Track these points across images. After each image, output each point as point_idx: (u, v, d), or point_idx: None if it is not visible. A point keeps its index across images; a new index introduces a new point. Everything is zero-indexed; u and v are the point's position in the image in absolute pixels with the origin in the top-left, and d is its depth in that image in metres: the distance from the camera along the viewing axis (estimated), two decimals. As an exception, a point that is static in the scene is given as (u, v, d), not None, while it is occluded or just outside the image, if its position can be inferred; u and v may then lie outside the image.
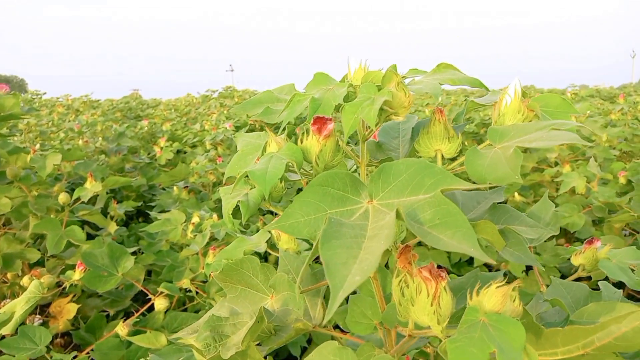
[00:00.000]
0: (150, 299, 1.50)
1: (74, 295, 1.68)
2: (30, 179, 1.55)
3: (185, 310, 1.55)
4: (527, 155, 2.60)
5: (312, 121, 0.43)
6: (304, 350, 1.56)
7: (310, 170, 0.49)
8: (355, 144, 0.58)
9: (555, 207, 0.82)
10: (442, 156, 0.50)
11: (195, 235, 1.58)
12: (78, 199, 1.51)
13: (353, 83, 0.48)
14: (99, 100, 7.42)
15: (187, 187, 2.27)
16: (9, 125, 2.12)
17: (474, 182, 0.42)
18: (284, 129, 0.48)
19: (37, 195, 1.55)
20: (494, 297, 0.36)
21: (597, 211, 1.85)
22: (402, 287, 0.41)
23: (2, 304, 1.56)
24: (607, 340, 0.45)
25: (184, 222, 1.67)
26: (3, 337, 1.18)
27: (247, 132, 2.28)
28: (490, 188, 0.60)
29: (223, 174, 2.37)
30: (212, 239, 1.55)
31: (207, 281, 1.52)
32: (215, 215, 1.71)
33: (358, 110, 0.42)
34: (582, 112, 2.53)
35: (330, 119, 0.43)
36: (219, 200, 2.23)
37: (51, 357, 1.18)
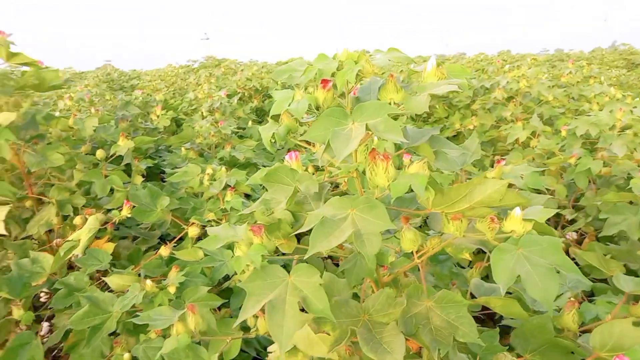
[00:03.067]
0: (175, 237, 1.87)
1: (109, 239, 2.04)
2: (70, 140, 1.87)
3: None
4: (487, 114, 3.00)
5: (320, 81, 0.79)
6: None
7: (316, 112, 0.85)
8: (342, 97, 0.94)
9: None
10: (394, 102, 0.87)
11: (211, 183, 1.93)
12: (113, 154, 1.84)
13: (341, 60, 0.83)
14: (83, 72, 7.54)
15: (192, 147, 2.61)
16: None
17: (410, 114, 0.79)
18: (303, 87, 0.84)
19: (77, 154, 1.87)
20: (417, 166, 0.74)
21: (537, 157, 2.27)
22: (370, 169, 0.79)
23: (55, 243, 1.91)
24: (481, 197, 0.83)
25: (200, 173, 2.02)
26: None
27: (238, 99, 2.69)
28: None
29: (225, 135, 2.71)
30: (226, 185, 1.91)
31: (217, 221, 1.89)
32: (224, 168, 2.07)
33: (344, 75, 0.78)
34: (534, 76, 2.92)
35: (330, 80, 0.79)
36: (222, 159, 2.58)
37: (112, 270, 1.55)
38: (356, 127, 0.75)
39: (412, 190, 0.95)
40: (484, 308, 1.21)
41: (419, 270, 1.22)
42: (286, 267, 0.82)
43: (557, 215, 2.07)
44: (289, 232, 0.97)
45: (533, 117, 2.35)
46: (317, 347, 0.87)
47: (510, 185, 0.90)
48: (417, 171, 0.74)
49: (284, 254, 0.98)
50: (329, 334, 0.85)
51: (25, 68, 1.79)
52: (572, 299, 1.13)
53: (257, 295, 0.77)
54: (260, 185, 2.31)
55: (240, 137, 2.99)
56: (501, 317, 1.41)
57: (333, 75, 0.81)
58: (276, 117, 0.93)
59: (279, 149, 3.37)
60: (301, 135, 0.93)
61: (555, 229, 2.13)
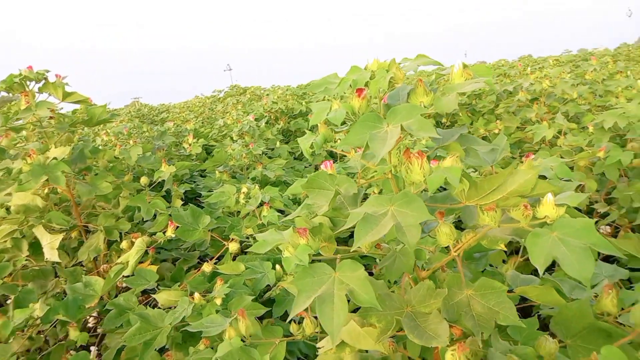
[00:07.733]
0: (213, 257, 1.94)
1: (151, 262, 2.13)
2: (116, 169, 1.99)
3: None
4: (511, 117, 3.01)
5: (355, 90, 0.85)
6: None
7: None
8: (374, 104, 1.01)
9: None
10: (424, 104, 0.93)
11: (247, 201, 2.01)
12: (156, 180, 1.95)
13: (373, 70, 0.90)
14: (116, 109, 7.90)
15: (226, 170, 2.71)
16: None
17: (438, 113, 0.85)
18: (339, 98, 0.90)
19: (122, 182, 1.99)
20: (450, 160, 0.79)
21: (565, 154, 2.26)
22: (406, 167, 0.84)
23: (102, 268, 2.01)
24: (514, 187, 0.87)
25: (235, 193, 2.11)
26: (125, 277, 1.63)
27: (265, 122, 2.79)
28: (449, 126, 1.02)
29: (256, 156, 2.81)
30: (261, 202, 1.99)
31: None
32: (257, 186, 2.15)
33: (377, 83, 0.85)
34: (556, 75, 2.93)
35: (364, 89, 0.85)
36: (254, 178, 2.67)
37: (159, 288, 1.63)
38: (391, 129, 0.81)
39: (445, 189, 1.00)
40: (521, 303, 1.23)
41: (455, 266, 1.25)
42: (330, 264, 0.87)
43: (590, 210, 2.06)
44: (330, 234, 1.03)
45: (557, 116, 2.36)
46: (364, 340, 0.91)
47: (541, 177, 0.94)
48: (451, 165, 0.79)
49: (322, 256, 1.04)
50: (375, 327, 0.89)
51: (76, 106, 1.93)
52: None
53: (307, 291, 0.83)
54: (291, 199, 2.39)
55: (270, 157, 3.09)
56: (538, 314, 1.42)
57: (366, 84, 0.88)
58: (313, 129, 1.00)
59: (306, 167, 3.46)
60: (334, 142, 1.00)
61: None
